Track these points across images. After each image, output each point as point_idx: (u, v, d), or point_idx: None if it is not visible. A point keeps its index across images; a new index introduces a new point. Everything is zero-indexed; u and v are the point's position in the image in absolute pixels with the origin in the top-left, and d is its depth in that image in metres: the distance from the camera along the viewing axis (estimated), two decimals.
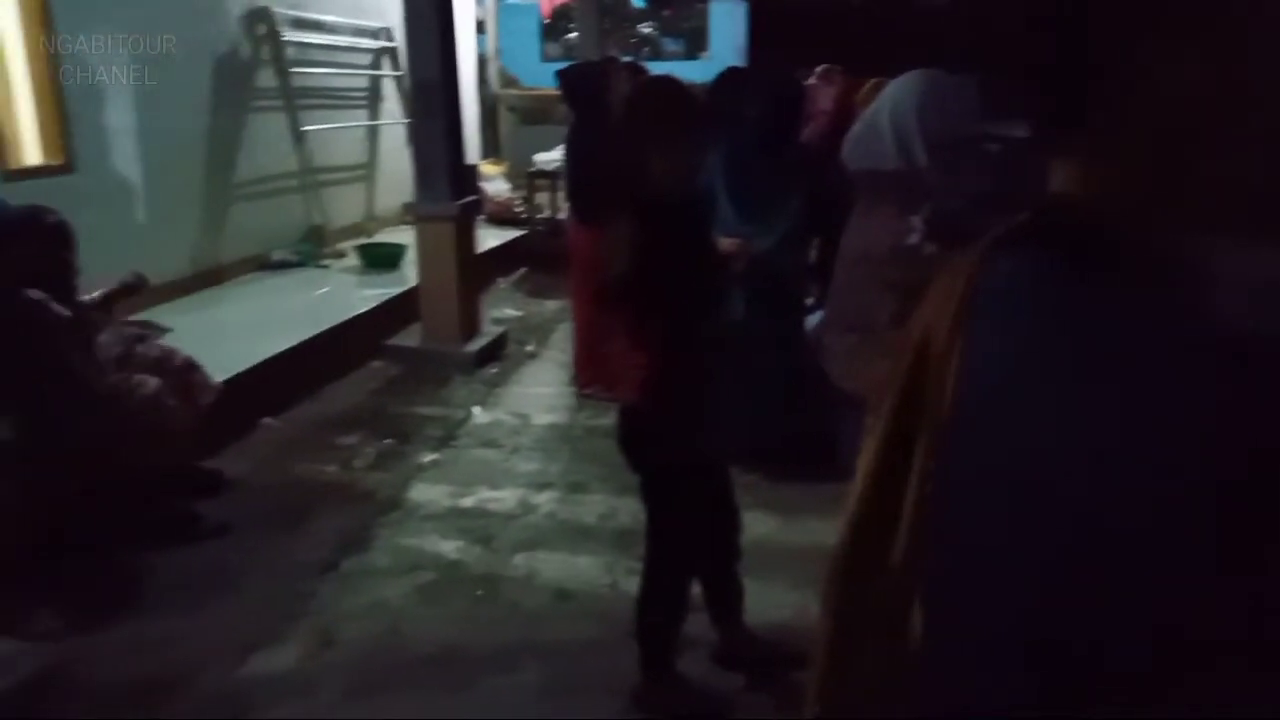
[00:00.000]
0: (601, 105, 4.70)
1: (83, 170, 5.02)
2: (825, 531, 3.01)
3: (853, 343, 1.88)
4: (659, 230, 2.02)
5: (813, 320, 3.51)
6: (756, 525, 3.43)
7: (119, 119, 5.27)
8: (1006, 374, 0.74)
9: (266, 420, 4.41)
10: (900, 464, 0.81)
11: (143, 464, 3.10)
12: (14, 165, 4.71)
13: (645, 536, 2.40)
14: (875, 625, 0.82)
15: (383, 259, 6.75)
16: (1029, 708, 0.72)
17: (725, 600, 2.63)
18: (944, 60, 2.02)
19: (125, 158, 5.33)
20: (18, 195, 2.95)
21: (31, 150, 4.96)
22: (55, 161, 4.97)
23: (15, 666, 2.43)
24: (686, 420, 2.15)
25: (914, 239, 1.72)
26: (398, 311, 5.77)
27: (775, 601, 2.85)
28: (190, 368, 3.49)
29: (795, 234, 3.75)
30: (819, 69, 4.88)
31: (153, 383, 3.23)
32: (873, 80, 4.32)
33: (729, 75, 4.06)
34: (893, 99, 1.88)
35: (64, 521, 2.79)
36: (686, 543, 2.41)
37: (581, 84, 4.79)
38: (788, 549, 3.28)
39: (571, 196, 4.80)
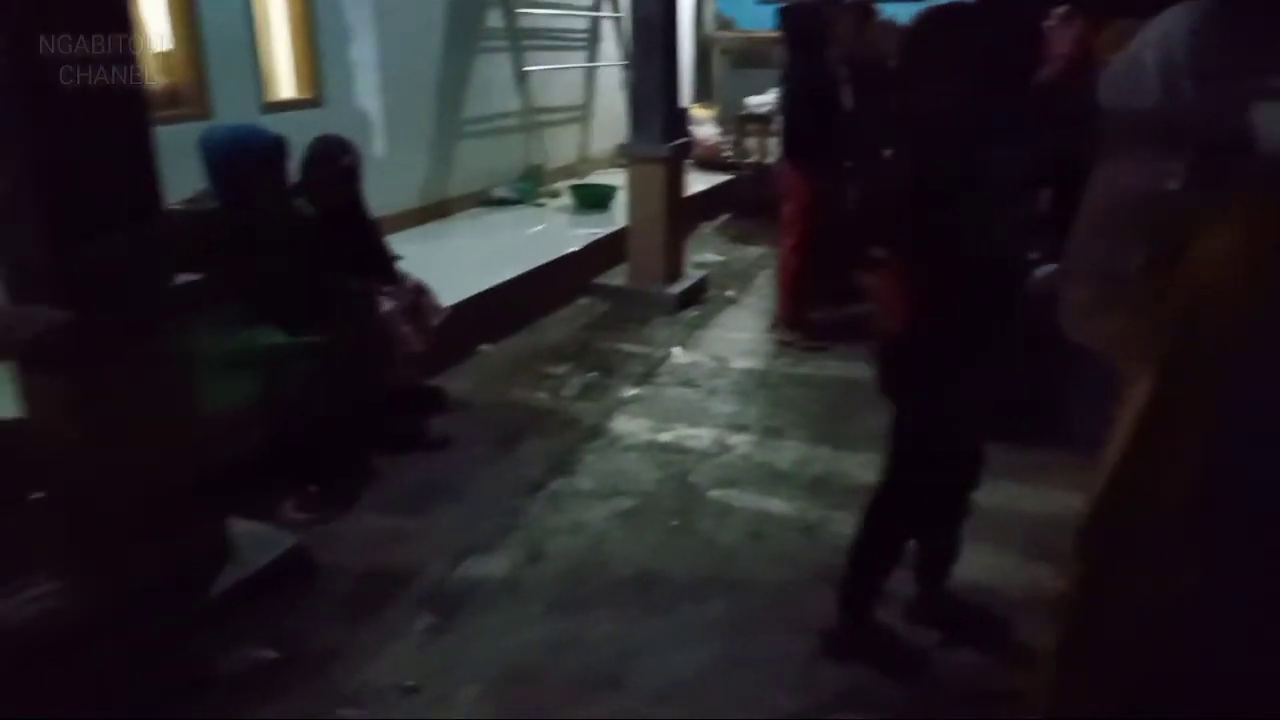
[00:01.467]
0: (822, 46, 4.59)
1: (330, 105, 5.44)
2: (1031, 498, 2.89)
3: (1093, 293, 1.78)
4: (939, 160, 2.04)
5: (1040, 273, 3.32)
6: None
7: (362, 57, 5.65)
8: None
9: (484, 347, 4.68)
10: (1169, 416, 0.77)
11: (381, 378, 3.38)
12: (271, 99, 5.16)
13: (878, 477, 2.39)
14: (1134, 581, 0.79)
15: (594, 199, 6.93)
16: None
17: (940, 556, 2.58)
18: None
19: (367, 94, 5.72)
20: (273, 126, 3.26)
21: (286, 85, 5.41)
22: (306, 96, 5.41)
23: (268, 548, 2.73)
24: (945, 356, 2.14)
25: (1174, 184, 1.58)
26: (606, 251, 5.94)
27: (978, 564, 2.77)
28: (420, 291, 3.75)
29: (1025, 182, 3.54)
30: (1059, 10, 4.54)
31: (388, 304, 3.49)
32: (1118, 22, 3.99)
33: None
34: (1161, 31, 1.72)
35: (317, 425, 3.09)
36: (919, 489, 2.37)
37: (803, 24, 4.68)
38: (994, 512, 3.15)
39: (787, 138, 4.73)
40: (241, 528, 2.75)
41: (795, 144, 4.66)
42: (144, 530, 2.36)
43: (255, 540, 2.73)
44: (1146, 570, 0.78)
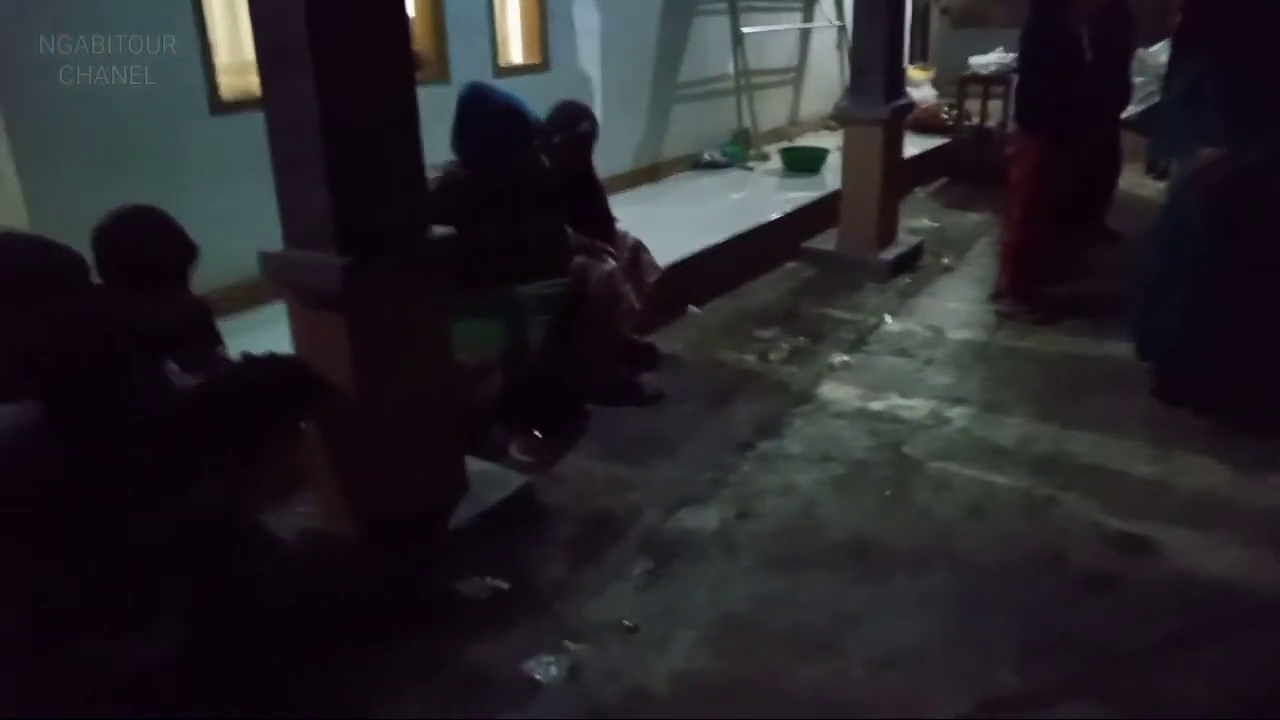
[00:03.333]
0: (1065, 2, 4.31)
1: (555, 69, 5.63)
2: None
3: None
4: None
5: None
6: (1204, 473, 3.12)
7: (586, 22, 5.80)
8: None
9: (693, 308, 4.75)
10: None
11: (605, 332, 3.51)
12: (503, 63, 5.39)
13: None
14: None
15: (804, 162, 6.83)
16: None
17: None
18: None
19: (589, 59, 5.88)
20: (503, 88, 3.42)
21: (516, 50, 5.64)
22: (534, 61, 5.61)
23: (500, 486, 2.91)
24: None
25: None
26: (815, 215, 5.85)
27: (1226, 558, 2.59)
28: (639, 249, 3.85)
29: None
30: None
31: (611, 263, 3.61)
32: None
33: None
34: None
35: (545, 373, 3.25)
36: None
37: None
38: (1237, 503, 2.94)
39: (1023, 99, 4.48)
40: (476, 465, 2.94)
41: (1031, 105, 4.41)
42: (399, 462, 2.58)
43: (488, 478, 2.92)
44: None
